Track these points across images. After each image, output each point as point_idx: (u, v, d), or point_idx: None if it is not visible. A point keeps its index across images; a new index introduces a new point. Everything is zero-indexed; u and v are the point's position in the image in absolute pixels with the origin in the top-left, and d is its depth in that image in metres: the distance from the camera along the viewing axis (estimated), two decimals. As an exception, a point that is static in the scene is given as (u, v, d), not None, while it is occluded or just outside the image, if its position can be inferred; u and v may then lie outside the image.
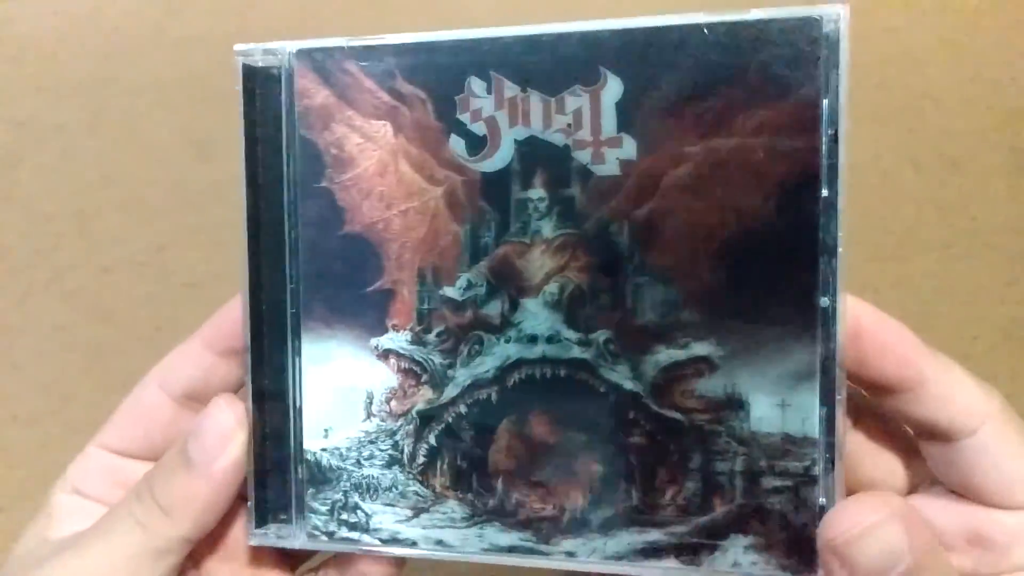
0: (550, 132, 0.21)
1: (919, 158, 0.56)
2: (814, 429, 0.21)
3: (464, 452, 0.22)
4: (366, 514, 0.23)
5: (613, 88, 0.21)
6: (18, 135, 0.45)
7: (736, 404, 0.21)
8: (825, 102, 0.20)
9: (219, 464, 0.23)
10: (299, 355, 0.24)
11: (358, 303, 0.23)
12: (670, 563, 0.21)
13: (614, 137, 0.21)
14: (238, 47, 0.24)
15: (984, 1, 0.56)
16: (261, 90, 0.23)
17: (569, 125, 0.21)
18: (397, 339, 0.23)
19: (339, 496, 0.24)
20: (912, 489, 0.24)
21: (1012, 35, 0.56)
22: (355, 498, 0.23)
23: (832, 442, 0.21)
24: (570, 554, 0.22)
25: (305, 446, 0.24)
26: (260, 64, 0.23)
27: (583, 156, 0.21)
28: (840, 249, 0.20)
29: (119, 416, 0.27)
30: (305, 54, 0.23)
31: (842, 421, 0.21)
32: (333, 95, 0.23)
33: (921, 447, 0.23)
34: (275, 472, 0.24)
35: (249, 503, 0.24)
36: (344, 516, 0.24)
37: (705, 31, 0.20)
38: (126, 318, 0.44)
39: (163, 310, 0.44)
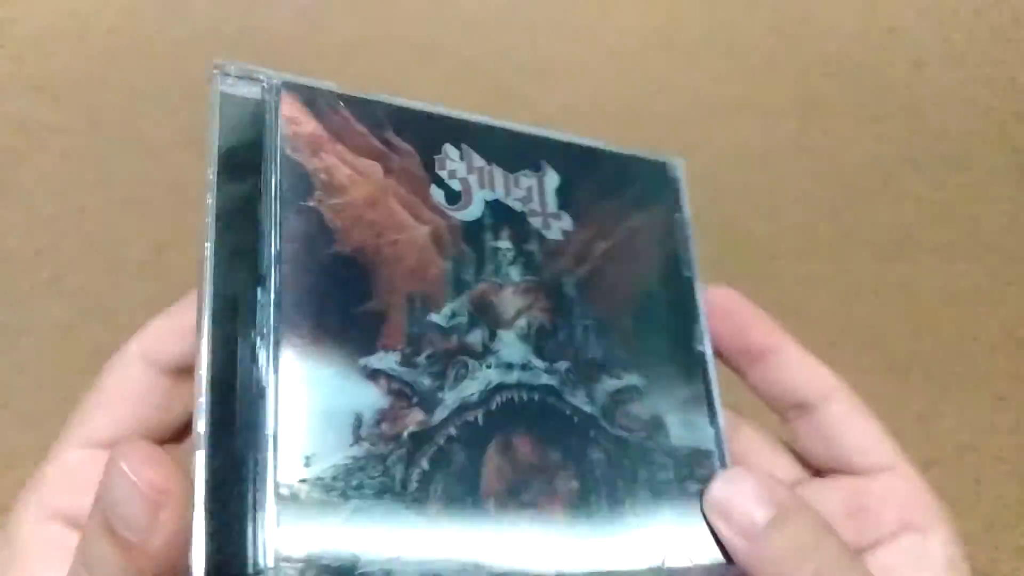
0: (511, 199, 0.26)
1: (919, 158, 0.56)
2: (710, 443, 0.26)
3: (458, 475, 0.23)
4: (353, 554, 0.20)
5: (552, 177, 0.27)
6: (18, 135, 0.45)
7: (658, 424, 0.26)
8: (677, 216, 0.29)
9: (154, 542, 0.19)
10: (276, 373, 0.21)
11: (347, 322, 0.22)
12: (640, 563, 0.24)
13: (556, 213, 0.27)
14: (216, 62, 0.23)
15: (984, 1, 0.56)
16: (239, 108, 0.23)
17: (523, 198, 0.26)
18: (387, 359, 0.22)
19: (320, 537, 0.20)
20: (795, 482, 0.28)
21: (1012, 35, 0.56)
22: (339, 538, 0.20)
23: (722, 452, 0.27)
24: (558, 570, 0.23)
25: (279, 479, 0.20)
26: (237, 80, 0.23)
27: (536, 222, 0.26)
28: (702, 310, 0.28)
29: (100, 403, 0.23)
30: (291, 85, 0.24)
31: (725, 436, 0.27)
32: (323, 129, 0.24)
33: (789, 427, 0.28)
34: (237, 517, 0.20)
35: (194, 569, 0.19)
36: (326, 562, 0.20)
37: (602, 150, 0.28)
38: (126, 318, 0.44)
39: (163, 310, 0.44)
